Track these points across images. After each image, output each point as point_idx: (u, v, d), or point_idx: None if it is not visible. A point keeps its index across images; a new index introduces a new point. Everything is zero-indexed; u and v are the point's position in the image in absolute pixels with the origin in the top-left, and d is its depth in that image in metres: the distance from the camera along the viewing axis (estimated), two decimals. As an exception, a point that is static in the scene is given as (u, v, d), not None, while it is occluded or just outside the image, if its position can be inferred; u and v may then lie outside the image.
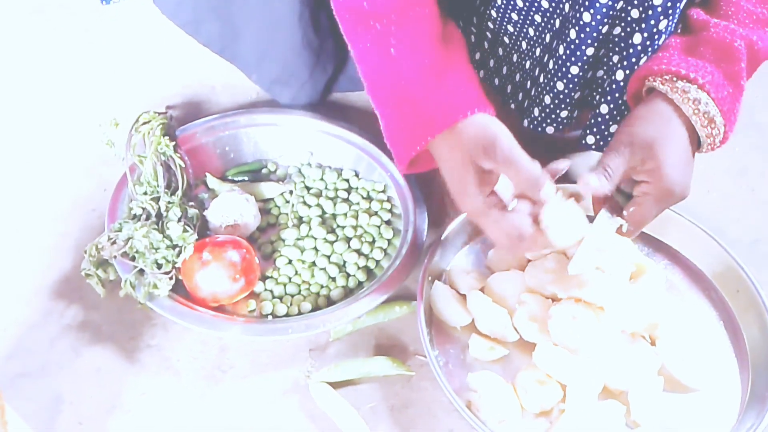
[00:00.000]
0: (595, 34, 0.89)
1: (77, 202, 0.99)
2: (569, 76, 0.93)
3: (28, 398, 0.82)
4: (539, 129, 1.00)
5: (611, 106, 0.93)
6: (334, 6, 0.89)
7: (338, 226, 1.00)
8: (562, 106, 0.96)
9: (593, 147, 0.97)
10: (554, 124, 0.98)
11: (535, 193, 0.78)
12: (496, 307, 0.89)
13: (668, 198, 0.82)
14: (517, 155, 0.78)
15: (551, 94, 0.96)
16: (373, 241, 0.99)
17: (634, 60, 0.89)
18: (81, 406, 0.82)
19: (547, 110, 0.97)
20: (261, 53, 1.08)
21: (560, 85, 0.94)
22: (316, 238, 0.98)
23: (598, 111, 0.95)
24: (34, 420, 0.79)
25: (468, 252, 0.97)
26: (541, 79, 0.96)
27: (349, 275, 0.95)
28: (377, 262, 0.97)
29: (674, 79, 0.83)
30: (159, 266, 0.87)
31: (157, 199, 0.92)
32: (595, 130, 0.96)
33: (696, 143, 0.85)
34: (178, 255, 0.87)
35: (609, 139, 0.95)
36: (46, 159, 1.05)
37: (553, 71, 0.94)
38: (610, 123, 0.95)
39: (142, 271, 0.86)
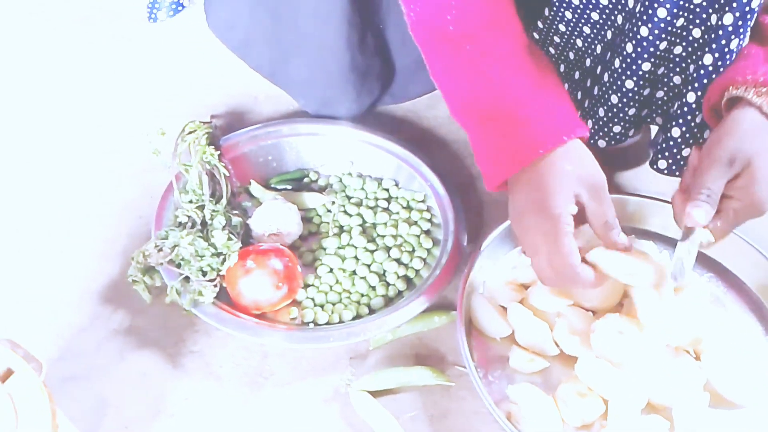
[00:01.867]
0: (651, 49, 0.87)
1: (125, 208, 1.02)
2: (624, 89, 0.92)
3: (76, 401, 0.84)
4: (591, 141, 0.98)
5: (683, 129, 0.90)
6: (413, 30, 0.88)
7: (378, 235, 1.01)
8: (616, 120, 0.95)
9: (665, 172, 0.94)
10: (606, 138, 0.97)
11: (608, 239, 0.80)
12: (537, 320, 0.89)
13: (752, 213, 0.81)
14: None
15: (605, 107, 0.94)
16: (413, 250, 0.99)
17: (705, 81, 0.86)
18: (126, 410, 0.84)
19: (601, 123, 0.96)
20: (309, 78, 1.08)
21: (614, 99, 0.93)
22: (356, 247, 0.98)
23: (669, 135, 0.92)
24: (81, 423, 0.81)
25: (507, 263, 0.97)
26: (596, 91, 0.96)
27: (388, 284, 0.96)
28: (417, 271, 0.98)
29: (762, 89, 0.80)
30: (204, 274, 0.88)
31: (201, 207, 0.94)
32: (666, 154, 0.93)
33: None
34: (223, 263, 0.89)
35: (681, 163, 0.92)
36: (95, 166, 1.07)
37: (608, 84, 0.93)
38: (683, 147, 0.91)
39: (187, 279, 0.88)
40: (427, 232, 1.01)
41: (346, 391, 0.87)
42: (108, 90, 1.17)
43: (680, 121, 0.90)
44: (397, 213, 1.03)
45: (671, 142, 0.92)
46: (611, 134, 0.96)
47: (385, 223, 1.01)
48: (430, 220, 1.02)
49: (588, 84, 0.97)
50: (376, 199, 1.04)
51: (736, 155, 0.79)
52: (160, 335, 0.90)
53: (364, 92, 1.09)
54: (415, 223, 1.02)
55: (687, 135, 0.91)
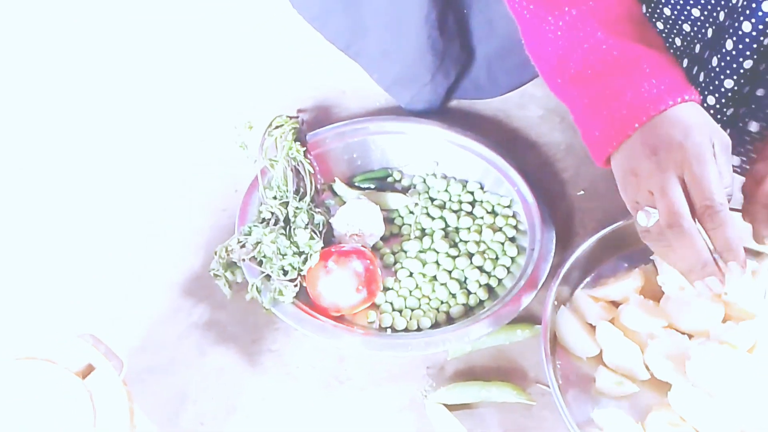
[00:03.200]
0: (755, 46, 0.81)
1: (209, 200, 1.02)
2: (722, 90, 0.86)
3: (154, 393, 0.84)
4: None
5: None
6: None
7: (461, 240, 0.98)
8: None
9: None
10: None
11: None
12: (627, 341, 0.84)
13: None
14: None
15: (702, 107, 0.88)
16: (497, 258, 0.96)
17: None
18: (203, 406, 0.84)
19: None
20: (384, 52, 1.07)
21: (711, 100, 0.87)
22: (438, 252, 0.96)
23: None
24: (157, 416, 0.81)
25: (598, 277, 0.92)
26: None
27: (469, 292, 0.93)
28: (499, 280, 0.94)
29: None
30: (285, 272, 0.87)
31: (285, 204, 0.93)
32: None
33: None
34: (304, 262, 0.88)
35: None
36: (182, 157, 1.08)
37: (704, 84, 0.88)
38: None
39: (268, 277, 0.87)
40: (512, 240, 0.98)
41: (422, 402, 0.85)
42: (197, 81, 1.18)
43: None
44: (482, 218, 0.99)
45: None
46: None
47: (469, 228, 0.98)
48: (515, 227, 0.99)
49: None
50: (460, 202, 1.01)
51: None
52: (239, 331, 0.90)
53: (439, 75, 1.06)
54: (500, 229, 0.98)
55: None
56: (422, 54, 1.03)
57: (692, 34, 0.89)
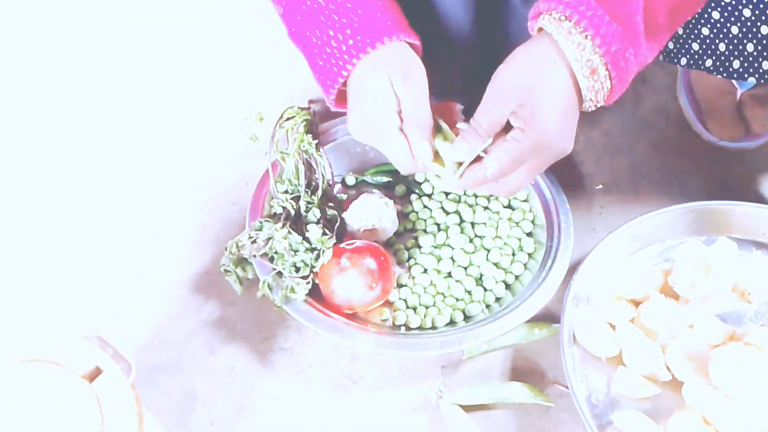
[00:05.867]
0: None
1: (219, 194, 1.00)
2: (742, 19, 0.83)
3: (163, 393, 0.83)
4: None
5: None
6: None
7: (477, 235, 0.95)
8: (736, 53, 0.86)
9: None
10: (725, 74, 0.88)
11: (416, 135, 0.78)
12: (648, 341, 0.82)
13: (543, 150, 0.75)
14: (424, 96, 0.77)
15: (726, 40, 0.85)
16: (514, 253, 0.93)
17: None
18: (213, 405, 0.83)
19: (722, 58, 0.87)
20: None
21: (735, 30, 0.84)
22: (453, 248, 0.93)
23: None
24: (167, 416, 0.80)
25: (618, 274, 0.90)
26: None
27: (486, 289, 0.91)
28: (517, 277, 0.92)
29: (561, 18, 0.73)
30: (297, 269, 0.85)
31: (297, 198, 0.91)
32: None
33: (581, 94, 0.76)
34: (317, 259, 0.86)
35: None
36: (192, 150, 1.06)
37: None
38: None
39: (280, 273, 0.85)
40: (530, 235, 0.95)
41: (437, 403, 0.83)
42: (207, 73, 1.16)
43: None
44: (498, 212, 0.97)
45: None
46: (731, 69, 0.87)
47: (485, 223, 0.96)
48: (533, 222, 0.96)
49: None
50: (476, 196, 0.99)
51: (506, 86, 0.75)
52: (250, 329, 0.88)
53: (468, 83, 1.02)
54: (517, 224, 0.96)
55: None
56: (458, 63, 0.99)
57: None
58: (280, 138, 0.95)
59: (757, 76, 0.86)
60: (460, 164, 0.77)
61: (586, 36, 0.73)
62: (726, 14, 0.84)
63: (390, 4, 0.83)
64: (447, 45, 0.96)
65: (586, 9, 0.72)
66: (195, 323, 0.88)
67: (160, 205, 1.00)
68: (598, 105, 0.77)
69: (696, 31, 0.87)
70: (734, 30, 0.85)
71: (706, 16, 0.85)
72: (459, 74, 1.00)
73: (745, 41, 0.85)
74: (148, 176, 1.03)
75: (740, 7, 0.83)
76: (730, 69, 0.87)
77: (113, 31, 1.20)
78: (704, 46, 0.88)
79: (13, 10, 1.22)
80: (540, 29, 0.76)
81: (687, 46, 0.89)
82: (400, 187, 0.99)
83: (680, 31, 0.88)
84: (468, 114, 0.80)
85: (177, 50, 1.18)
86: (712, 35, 0.86)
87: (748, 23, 0.83)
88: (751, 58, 0.85)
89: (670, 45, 0.90)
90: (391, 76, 0.78)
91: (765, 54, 0.84)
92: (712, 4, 0.84)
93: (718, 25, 0.85)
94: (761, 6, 0.81)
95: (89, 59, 1.16)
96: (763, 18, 0.82)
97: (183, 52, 1.18)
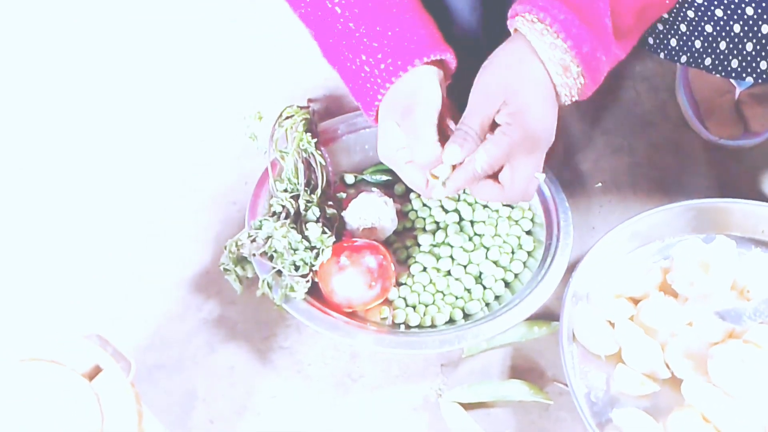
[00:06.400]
0: None
1: (219, 193, 1.00)
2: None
3: (162, 392, 0.83)
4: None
5: None
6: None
7: (476, 234, 0.95)
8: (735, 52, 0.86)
9: None
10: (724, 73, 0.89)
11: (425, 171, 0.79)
12: (648, 339, 0.82)
13: (532, 141, 0.77)
14: (424, 133, 0.78)
15: (727, 39, 0.86)
16: (513, 252, 0.94)
17: None
18: (213, 404, 0.83)
19: (721, 56, 0.88)
20: None
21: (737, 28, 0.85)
22: (452, 246, 0.93)
23: None
24: (167, 415, 0.80)
25: (617, 272, 0.90)
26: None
27: (485, 287, 0.91)
28: (516, 275, 0.92)
29: (535, 20, 0.76)
30: (296, 268, 0.85)
31: (296, 197, 0.91)
32: None
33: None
34: (316, 257, 0.86)
35: None
36: (192, 150, 1.06)
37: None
38: None
39: (279, 272, 0.85)
40: (529, 233, 0.95)
41: (436, 401, 0.83)
42: (206, 73, 1.16)
43: None
44: (497, 211, 0.97)
45: None
46: (729, 68, 0.88)
47: (484, 221, 0.96)
48: (532, 220, 0.96)
49: None
50: (476, 194, 0.99)
51: (493, 86, 0.77)
52: (250, 328, 0.88)
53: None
54: (516, 222, 0.96)
55: None
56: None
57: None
58: (280, 137, 0.95)
59: (755, 75, 0.86)
60: (454, 168, 0.78)
61: (558, 37, 0.76)
62: (729, 12, 0.84)
63: (420, 20, 0.84)
64: (454, 46, 0.97)
65: (558, 12, 0.75)
66: (195, 322, 0.89)
67: (160, 205, 1.00)
68: (573, 99, 0.80)
69: (699, 29, 0.87)
70: (736, 28, 0.85)
71: (709, 13, 0.85)
72: (467, 75, 1.00)
73: (745, 40, 0.85)
74: (148, 176, 1.03)
75: (743, 5, 0.83)
76: (729, 68, 0.87)
77: (113, 31, 1.20)
78: (706, 44, 0.88)
79: (13, 10, 1.22)
80: (516, 30, 0.79)
81: (690, 44, 0.89)
82: (399, 185, 1.00)
83: (683, 29, 0.88)
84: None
85: (177, 50, 1.18)
86: (714, 33, 0.86)
87: (750, 21, 0.84)
88: (749, 58, 0.86)
89: (673, 42, 0.90)
90: (393, 115, 0.80)
91: (763, 54, 0.85)
92: (715, 2, 0.85)
93: (721, 22, 0.85)
94: (764, 4, 0.82)
95: (89, 59, 1.17)
96: (765, 17, 0.82)
97: (183, 52, 1.18)
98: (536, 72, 0.77)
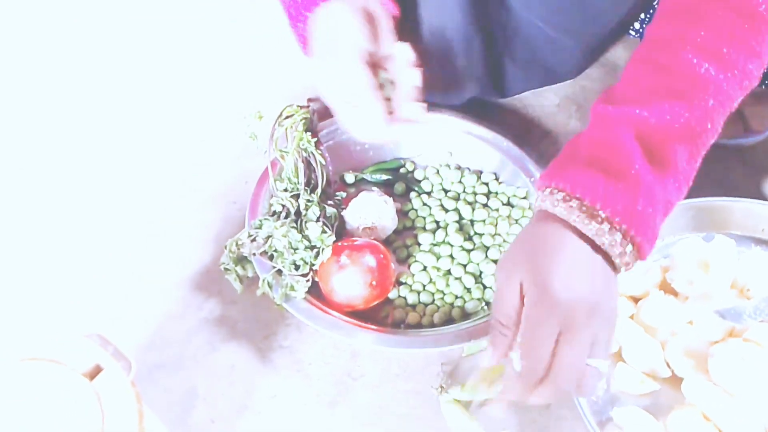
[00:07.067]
0: None
1: (219, 193, 1.00)
2: None
3: (163, 391, 0.83)
4: None
5: None
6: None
7: (476, 233, 0.95)
8: None
9: None
10: None
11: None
12: (648, 337, 0.82)
13: (566, 311, 0.64)
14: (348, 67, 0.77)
15: None
16: (513, 251, 0.94)
17: None
18: (214, 403, 0.83)
19: None
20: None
21: None
22: (452, 245, 0.94)
23: None
24: (167, 414, 0.80)
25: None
26: None
27: (485, 287, 0.91)
28: (516, 274, 0.92)
29: (555, 191, 0.67)
30: (297, 267, 0.85)
31: (296, 197, 0.91)
32: None
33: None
34: (316, 256, 0.86)
35: None
36: (192, 150, 1.06)
37: None
38: None
39: (280, 272, 0.85)
40: (529, 232, 0.95)
41: (437, 399, 0.83)
42: (205, 72, 1.16)
43: None
44: (497, 210, 0.97)
45: None
46: None
47: (484, 221, 0.96)
48: (532, 219, 0.96)
49: None
50: (475, 193, 0.99)
51: (511, 268, 0.67)
52: (250, 327, 0.88)
53: (452, 94, 1.02)
54: (516, 221, 0.96)
55: None
56: (438, 74, 0.99)
57: None
58: (280, 136, 0.95)
59: None
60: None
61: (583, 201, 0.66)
62: None
63: None
64: (448, 45, 0.97)
65: (582, 180, 0.67)
66: (195, 322, 0.89)
67: (160, 205, 1.00)
68: (630, 263, 0.68)
69: None
70: None
71: None
72: (462, 72, 1.00)
73: None
74: (148, 176, 1.03)
75: None
76: None
77: (113, 31, 1.20)
78: None
79: (13, 10, 1.22)
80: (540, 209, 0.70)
81: None
82: (399, 185, 1.00)
83: None
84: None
85: (177, 50, 1.18)
86: None
87: None
88: None
89: None
90: (320, 50, 0.79)
91: None
92: None
93: None
94: None
95: (89, 59, 1.17)
96: None
97: (183, 52, 1.18)
98: (557, 236, 0.67)
